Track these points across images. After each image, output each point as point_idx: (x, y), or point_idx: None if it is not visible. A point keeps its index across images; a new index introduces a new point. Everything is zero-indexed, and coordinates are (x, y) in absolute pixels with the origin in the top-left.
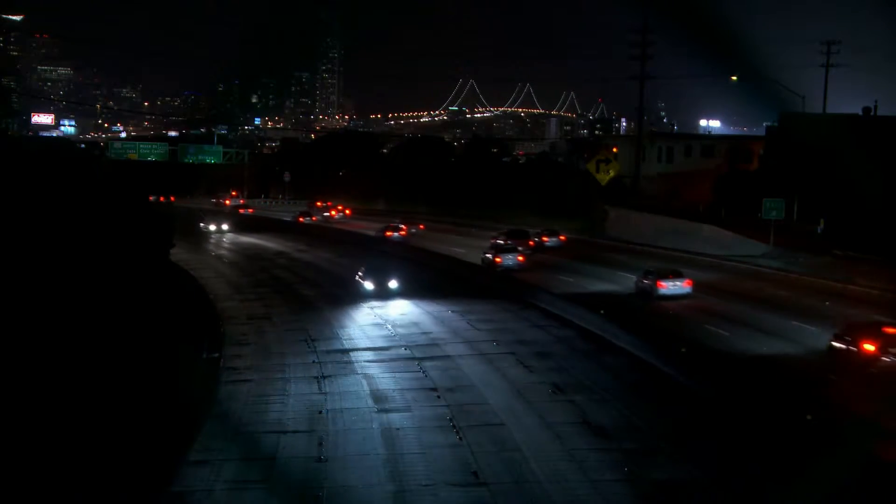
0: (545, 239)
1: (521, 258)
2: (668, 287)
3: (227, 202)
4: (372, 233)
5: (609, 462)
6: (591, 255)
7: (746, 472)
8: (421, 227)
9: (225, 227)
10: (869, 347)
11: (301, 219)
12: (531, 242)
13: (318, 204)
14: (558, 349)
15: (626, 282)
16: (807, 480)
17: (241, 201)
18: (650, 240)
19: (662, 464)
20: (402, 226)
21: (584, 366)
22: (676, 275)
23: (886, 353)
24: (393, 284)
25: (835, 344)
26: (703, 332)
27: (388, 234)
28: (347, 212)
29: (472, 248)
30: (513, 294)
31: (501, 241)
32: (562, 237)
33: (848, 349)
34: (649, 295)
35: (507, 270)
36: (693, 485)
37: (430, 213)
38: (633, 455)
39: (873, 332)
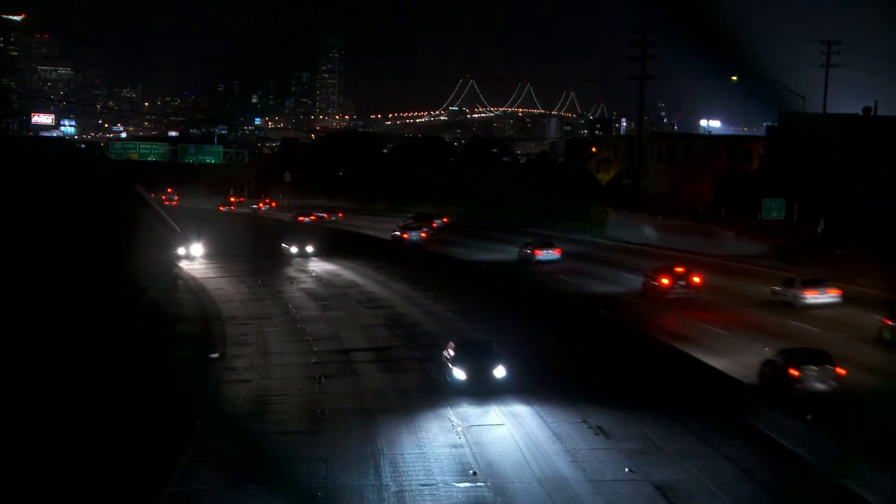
0: (434, 224)
1: (423, 234)
2: (543, 254)
3: (164, 198)
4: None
5: (609, 462)
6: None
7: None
8: (339, 215)
9: (309, 248)
10: (664, 282)
11: (221, 207)
12: (433, 224)
13: (233, 199)
14: None
15: (508, 252)
16: None
17: (176, 197)
18: (650, 240)
19: (662, 464)
20: (321, 214)
21: None
22: (549, 245)
23: (676, 286)
24: (499, 373)
25: (645, 282)
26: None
27: (301, 218)
28: (273, 204)
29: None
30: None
31: (409, 222)
32: (445, 220)
33: (652, 284)
34: (529, 261)
35: (413, 244)
36: (692, 484)
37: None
38: (633, 455)
39: (668, 272)
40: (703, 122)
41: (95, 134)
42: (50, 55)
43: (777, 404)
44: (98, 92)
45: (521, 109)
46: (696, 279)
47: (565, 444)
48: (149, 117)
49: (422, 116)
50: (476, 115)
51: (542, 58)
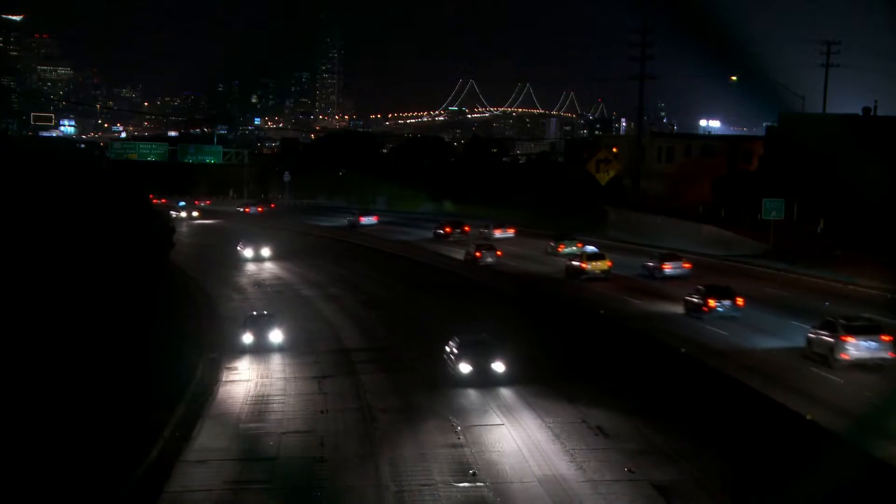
0: (272, 205)
1: (259, 209)
2: (365, 220)
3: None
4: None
5: (609, 462)
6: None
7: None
8: (207, 202)
9: (500, 369)
10: (447, 230)
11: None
12: (272, 205)
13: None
14: None
15: (340, 220)
16: None
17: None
18: (650, 240)
19: (662, 464)
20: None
21: None
22: (370, 213)
23: (454, 232)
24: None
25: (434, 230)
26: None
27: (196, 202)
28: (164, 200)
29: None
30: None
31: (249, 202)
32: (272, 205)
33: (438, 232)
34: (355, 225)
35: (252, 215)
36: (691, 483)
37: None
38: (633, 455)
39: (450, 224)
40: (703, 122)
41: (95, 134)
42: (50, 55)
43: (470, 269)
44: (98, 92)
45: (520, 109)
46: (467, 228)
47: None
48: (149, 117)
49: (422, 116)
50: (475, 116)
51: (542, 58)
